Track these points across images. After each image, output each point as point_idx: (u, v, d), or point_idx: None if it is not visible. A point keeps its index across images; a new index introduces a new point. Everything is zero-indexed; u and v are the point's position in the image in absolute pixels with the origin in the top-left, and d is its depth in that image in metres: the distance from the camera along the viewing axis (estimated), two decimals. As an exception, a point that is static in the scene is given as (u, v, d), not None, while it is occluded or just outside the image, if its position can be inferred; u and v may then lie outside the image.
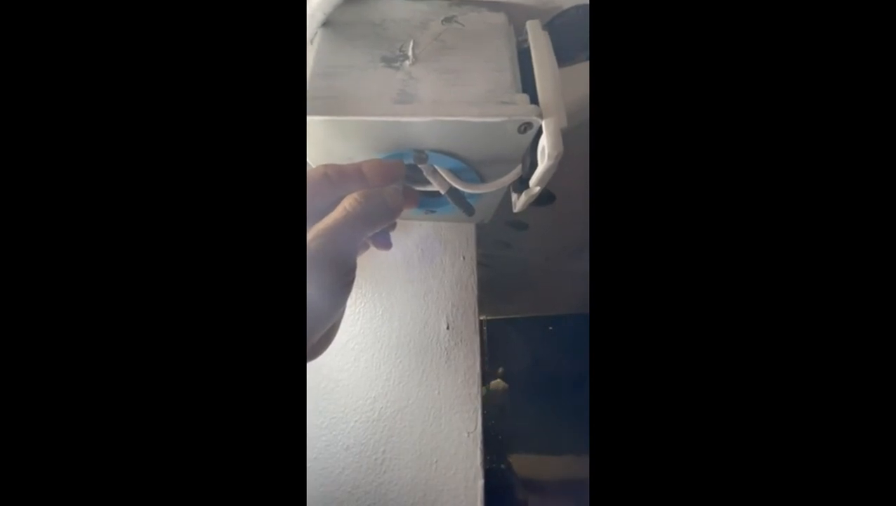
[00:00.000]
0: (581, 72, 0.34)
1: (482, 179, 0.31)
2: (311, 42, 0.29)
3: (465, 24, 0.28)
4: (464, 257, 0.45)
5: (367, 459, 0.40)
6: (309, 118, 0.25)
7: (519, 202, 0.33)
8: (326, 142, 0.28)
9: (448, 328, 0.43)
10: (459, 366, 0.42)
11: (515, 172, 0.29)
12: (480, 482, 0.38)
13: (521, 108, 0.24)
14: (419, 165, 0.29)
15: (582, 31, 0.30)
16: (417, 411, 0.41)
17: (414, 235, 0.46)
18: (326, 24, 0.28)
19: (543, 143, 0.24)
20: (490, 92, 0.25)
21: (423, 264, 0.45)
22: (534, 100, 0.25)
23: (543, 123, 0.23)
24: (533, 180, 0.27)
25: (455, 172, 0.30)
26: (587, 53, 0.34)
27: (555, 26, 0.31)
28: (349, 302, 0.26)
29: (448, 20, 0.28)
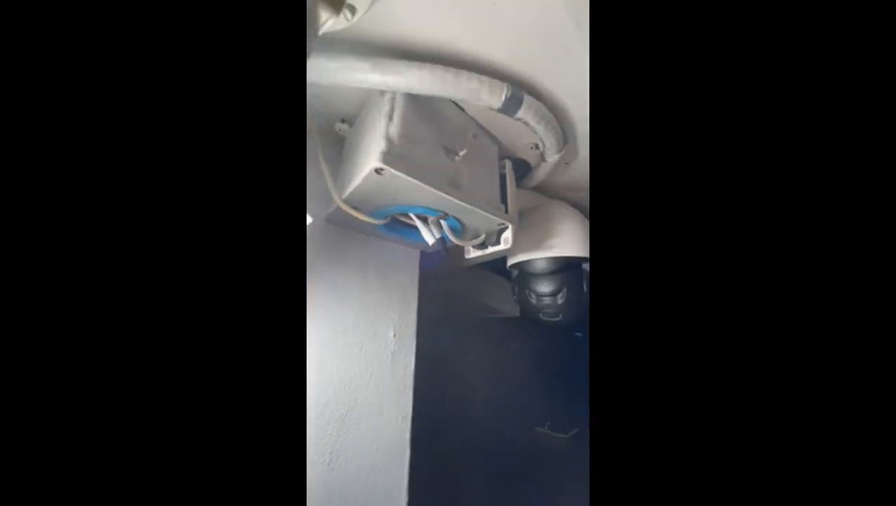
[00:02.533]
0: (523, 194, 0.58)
1: (462, 236, 0.47)
2: (395, 101, 0.36)
3: (481, 145, 0.44)
4: (410, 276, 0.57)
5: (316, 463, 0.41)
6: (387, 167, 0.32)
7: (473, 256, 0.51)
8: (391, 187, 0.35)
9: (394, 336, 0.52)
10: (400, 365, 0.52)
11: (481, 239, 0.48)
12: (407, 453, 0.50)
13: (504, 215, 0.44)
14: (440, 220, 0.41)
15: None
16: (364, 409, 0.47)
17: (370, 252, 0.52)
18: (409, 96, 0.36)
19: (507, 235, 0.45)
20: (491, 198, 0.43)
21: (377, 280, 0.52)
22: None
23: (510, 226, 0.44)
24: (492, 249, 0.47)
25: (452, 227, 0.45)
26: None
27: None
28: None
29: (475, 137, 0.44)
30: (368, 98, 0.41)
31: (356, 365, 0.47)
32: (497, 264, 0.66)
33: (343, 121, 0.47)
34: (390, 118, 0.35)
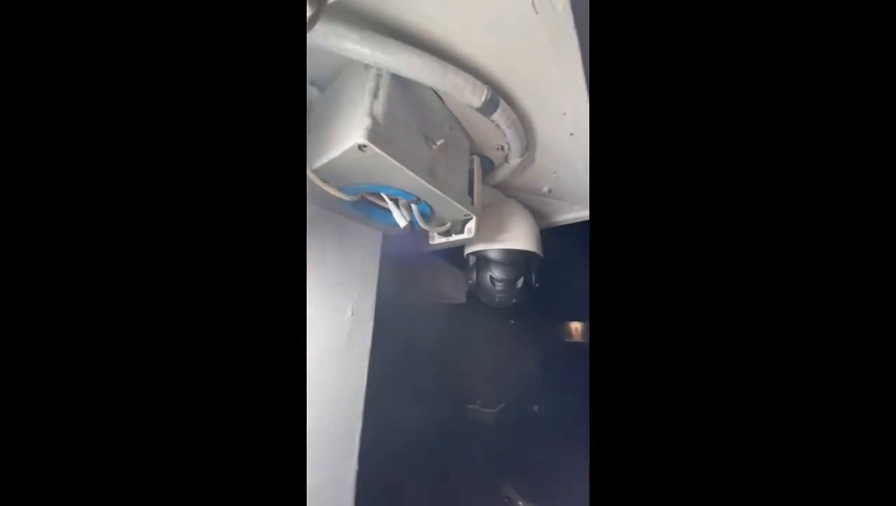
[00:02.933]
0: (485, 189, 0.63)
1: (430, 221, 0.50)
2: (381, 79, 0.35)
3: (456, 138, 0.47)
4: (371, 257, 0.56)
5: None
6: (371, 145, 0.33)
7: (437, 241, 0.55)
8: (369, 166, 0.35)
9: (352, 315, 0.52)
10: (356, 344, 0.52)
11: (446, 227, 0.52)
12: (359, 425, 0.51)
13: (470, 207, 0.48)
14: (411, 203, 0.43)
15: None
16: (320, 383, 0.46)
17: (330, 229, 0.50)
18: (394, 76, 0.36)
19: (470, 225, 0.49)
20: (462, 189, 0.46)
21: (338, 258, 0.51)
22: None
23: (474, 217, 0.49)
24: (455, 237, 0.51)
25: (422, 212, 0.47)
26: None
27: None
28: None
29: (451, 129, 0.46)
30: (349, 67, 0.39)
31: (311, 342, 0.46)
32: (446, 252, 0.70)
33: (313, 84, 0.44)
34: (375, 95, 0.35)
